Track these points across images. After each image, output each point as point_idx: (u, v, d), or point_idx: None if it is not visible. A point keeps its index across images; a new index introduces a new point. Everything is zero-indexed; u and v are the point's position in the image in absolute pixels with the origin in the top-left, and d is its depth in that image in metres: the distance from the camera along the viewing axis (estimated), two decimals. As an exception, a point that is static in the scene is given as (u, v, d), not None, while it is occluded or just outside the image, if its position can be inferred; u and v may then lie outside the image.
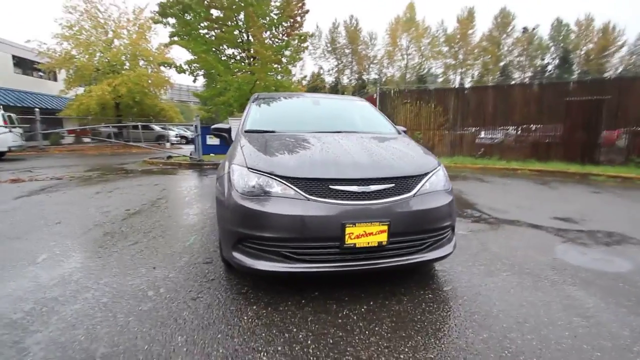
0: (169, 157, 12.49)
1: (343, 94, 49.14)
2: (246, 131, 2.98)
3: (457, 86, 44.07)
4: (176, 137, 22.32)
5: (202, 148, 11.14)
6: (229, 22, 12.34)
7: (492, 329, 1.89)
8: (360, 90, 47.28)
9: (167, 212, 4.46)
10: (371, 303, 2.16)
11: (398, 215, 2.08)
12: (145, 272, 2.57)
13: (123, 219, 4.07)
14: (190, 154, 11.98)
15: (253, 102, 3.65)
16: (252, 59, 13.00)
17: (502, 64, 49.40)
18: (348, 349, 1.71)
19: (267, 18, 12.14)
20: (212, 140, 11.47)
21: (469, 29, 47.29)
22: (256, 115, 3.36)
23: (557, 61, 48.24)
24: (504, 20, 47.41)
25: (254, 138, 2.75)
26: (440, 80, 51.40)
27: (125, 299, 2.16)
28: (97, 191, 5.88)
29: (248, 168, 2.21)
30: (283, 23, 12.68)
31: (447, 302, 2.18)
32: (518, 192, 6.24)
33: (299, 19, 12.73)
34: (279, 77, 13.61)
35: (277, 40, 12.94)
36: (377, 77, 50.34)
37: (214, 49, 12.57)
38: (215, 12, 12.06)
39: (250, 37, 12.50)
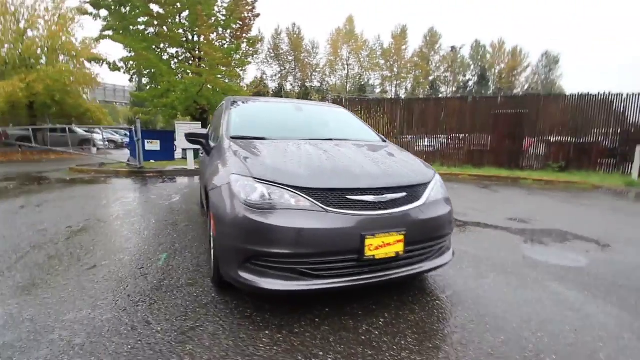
0: (102, 164, 11.14)
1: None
2: (233, 137, 2.73)
3: (402, 97, 47.03)
4: (103, 141, 20.01)
5: (141, 154, 10.13)
6: (170, 20, 11.52)
7: (505, 330, 1.96)
8: (304, 97, 47.76)
9: (121, 228, 3.91)
10: (386, 315, 2.10)
11: (412, 224, 2.07)
12: (121, 302, 2.18)
13: (67, 238, 3.46)
14: (128, 161, 10.83)
15: (231, 106, 3.39)
16: (197, 60, 12.28)
17: (431, 78, 54.08)
18: (383, 367, 1.63)
19: (213, 18, 11.59)
20: (152, 146, 10.52)
21: (402, 45, 50.88)
22: (238, 120, 3.11)
23: (476, 78, 54.36)
24: (432, 39, 52.05)
25: (247, 145, 2.53)
26: (378, 90, 54.36)
27: (106, 337, 1.79)
28: (22, 205, 4.94)
29: (254, 178, 2.01)
30: (232, 25, 12.23)
31: (456, 307, 2.22)
32: (467, 195, 6.78)
33: (248, 22, 12.39)
34: (227, 81, 13.06)
35: (224, 42, 12.41)
36: (320, 84, 51.40)
37: (154, 47, 11.60)
38: (155, 8, 11.16)
39: (197, 37, 11.81)
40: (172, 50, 12.43)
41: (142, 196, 6.05)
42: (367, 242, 1.92)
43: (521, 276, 2.76)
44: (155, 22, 10.99)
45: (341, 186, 2.00)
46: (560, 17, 76.68)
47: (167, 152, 11.93)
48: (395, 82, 54.27)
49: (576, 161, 10.63)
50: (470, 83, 54.90)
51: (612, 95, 10.49)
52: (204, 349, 1.71)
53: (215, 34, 11.72)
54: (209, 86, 11.43)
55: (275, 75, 49.74)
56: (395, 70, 52.58)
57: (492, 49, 54.10)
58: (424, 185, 2.28)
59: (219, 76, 11.90)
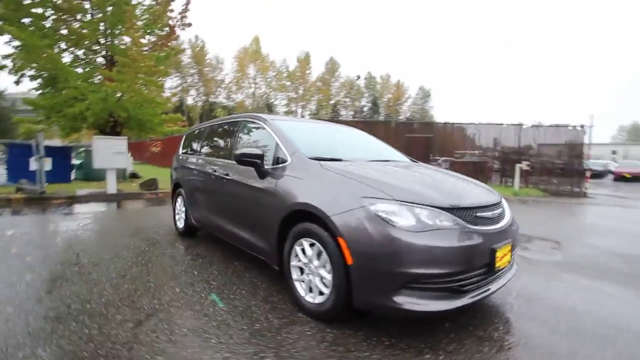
0: (-24, 188, 8.44)
1: (189, 114, 45.93)
2: (313, 158, 2.59)
3: (330, 118, 48.88)
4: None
5: (43, 175, 8.08)
6: (81, 16, 9.80)
7: (582, 324, 2.41)
8: (209, 112, 45.42)
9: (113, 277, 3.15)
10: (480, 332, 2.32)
11: (513, 234, 2.38)
12: None
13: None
14: (20, 184, 8.46)
15: (266, 124, 3.14)
16: (111, 65, 10.62)
17: (332, 102, 58.52)
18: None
19: (140, 22, 10.30)
20: (44, 165, 8.40)
21: (306, 69, 53.92)
22: (295, 139, 2.92)
23: (370, 104, 61.20)
24: (332, 67, 56.70)
25: (344, 167, 2.46)
26: (284, 110, 55.82)
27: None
28: None
29: (396, 200, 2.01)
30: (157, 31, 11.07)
31: (535, 304, 2.59)
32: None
33: (175, 29, 11.40)
34: (146, 91, 11.63)
35: (146, 48, 11.10)
36: (226, 101, 49.83)
37: (56, 46, 9.60)
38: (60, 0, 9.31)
39: (115, 40, 10.28)
40: (79, 52, 10.47)
41: (72, 233, 4.87)
42: (498, 254, 2.12)
43: (543, 272, 3.35)
44: (64, 16, 9.13)
45: (471, 205, 2.17)
46: (432, 57, 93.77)
47: (61, 172, 9.88)
48: (300, 103, 56.68)
49: (475, 176, 13.06)
50: (365, 108, 61.44)
51: (464, 123, 13.51)
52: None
53: (146, 38, 10.38)
54: (130, 96, 9.96)
55: (176, 87, 46.04)
56: (301, 92, 55.07)
57: (382, 80, 61.95)
58: (502, 200, 2.63)
59: (141, 85, 10.52)
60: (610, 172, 22.09)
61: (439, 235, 1.93)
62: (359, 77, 44.94)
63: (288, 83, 54.24)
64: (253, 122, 3.38)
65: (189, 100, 49.96)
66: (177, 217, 4.75)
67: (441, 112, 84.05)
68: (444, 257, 1.91)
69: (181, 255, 3.73)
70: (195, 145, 4.50)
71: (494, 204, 2.35)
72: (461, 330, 2.19)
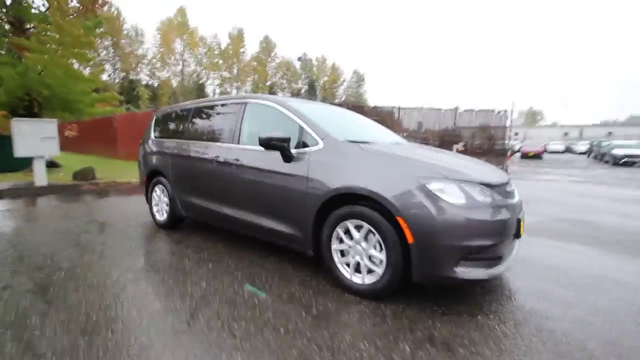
0: None
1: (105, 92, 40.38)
2: (351, 141, 2.61)
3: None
4: None
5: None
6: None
7: (572, 277, 2.92)
8: (130, 92, 40.68)
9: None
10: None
11: (521, 205, 2.73)
12: None
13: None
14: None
15: (283, 106, 3.02)
16: (21, 32, 8.81)
17: (268, 83, 56.95)
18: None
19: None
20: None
21: (240, 48, 51.26)
22: (321, 123, 2.86)
23: (306, 87, 61.07)
24: (268, 46, 54.84)
25: (380, 150, 2.53)
26: (218, 91, 52.71)
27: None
28: None
29: (449, 179, 2.17)
30: (81, -5, 9.42)
31: (529, 266, 3.04)
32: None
33: (103, -5, 9.85)
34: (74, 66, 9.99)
35: (70, 14, 9.43)
36: (149, 78, 45.04)
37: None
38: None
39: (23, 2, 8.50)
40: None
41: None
42: (522, 224, 2.45)
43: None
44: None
45: (500, 181, 2.43)
46: (367, 42, 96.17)
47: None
48: (235, 84, 54.03)
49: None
50: (303, 91, 61.19)
51: (393, 107, 14.63)
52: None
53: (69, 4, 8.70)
54: (56, 70, 8.43)
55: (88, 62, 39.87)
56: (235, 71, 52.39)
57: (317, 62, 62.03)
58: None
59: (69, 59, 8.97)
60: (518, 151, 25.85)
61: (487, 210, 2.15)
62: (300, 58, 44.28)
63: (221, 61, 51.05)
64: (263, 104, 3.22)
65: (104, 77, 43.93)
66: (155, 208, 4.33)
67: (375, 97, 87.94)
68: (492, 230, 2.14)
69: (181, 250, 3.45)
70: (176, 128, 4.11)
71: (509, 180, 2.67)
72: (491, 293, 2.50)
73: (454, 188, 2.15)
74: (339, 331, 1.97)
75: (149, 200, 4.45)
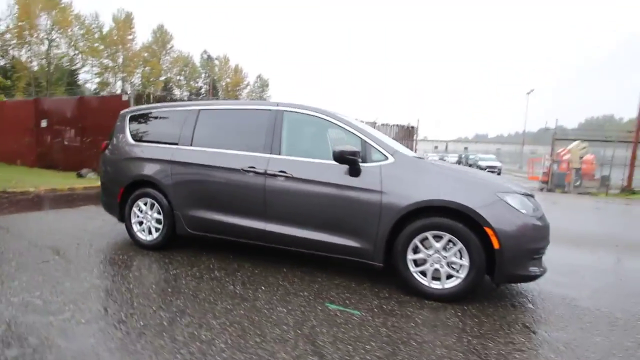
0: None
1: None
2: (417, 157, 2.80)
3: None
4: None
5: None
6: None
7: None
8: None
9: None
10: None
11: None
12: None
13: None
14: None
15: (342, 119, 3.02)
16: None
17: (162, 78, 51.40)
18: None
19: None
20: None
21: (128, 34, 44.81)
22: (383, 138, 3.00)
23: (207, 86, 57.41)
24: (163, 37, 49.50)
25: (449, 166, 2.83)
26: (97, 80, 44.95)
27: None
28: None
29: (519, 193, 2.60)
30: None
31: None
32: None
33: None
34: None
35: None
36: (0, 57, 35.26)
37: None
38: None
39: None
40: None
41: None
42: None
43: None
44: None
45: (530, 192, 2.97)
46: (272, 47, 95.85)
47: None
48: (120, 75, 46.91)
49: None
50: (203, 90, 57.34)
51: None
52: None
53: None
54: None
55: None
56: (120, 60, 45.50)
57: (219, 62, 59.15)
58: None
59: None
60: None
61: (541, 216, 2.64)
62: (205, 53, 41.32)
63: (102, 47, 43.57)
64: (308, 114, 3.11)
65: None
66: (136, 227, 3.61)
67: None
68: (546, 233, 2.63)
69: (216, 276, 3.02)
70: (174, 132, 3.54)
71: None
72: (528, 286, 3.01)
73: (521, 199, 2.57)
74: (462, 335, 2.14)
75: (126, 217, 3.66)
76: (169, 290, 2.62)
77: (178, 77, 53.84)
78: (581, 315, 2.49)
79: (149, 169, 3.53)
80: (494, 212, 2.47)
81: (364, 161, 2.80)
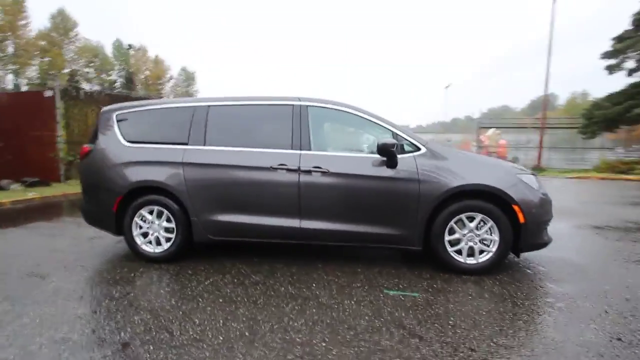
0: None
1: None
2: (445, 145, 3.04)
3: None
4: None
5: None
6: None
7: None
8: None
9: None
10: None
11: None
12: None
13: None
14: None
15: (367, 112, 3.11)
16: None
17: (66, 70, 44.64)
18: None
19: None
20: None
21: (20, 19, 37.75)
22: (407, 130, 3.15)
23: (122, 79, 51.53)
24: (64, 23, 42.85)
25: (469, 153, 3.11)
26: (-21, 74, 37.15)
27: None
28: None
29: (529, 173, 3.00)
30: None
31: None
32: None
33: None
34: None
35: None
36: None
37: None
38: None
39: None
40: None
41: None
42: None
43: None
44: None
45: None
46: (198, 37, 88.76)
47: None
48: (10, 67, 39.45)
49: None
50: (118, 83, 51.36)
51: None
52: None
53: None
54: None
55: None
56: (11, 49, 38.22)
57: (136, 53, 53.49)
58: None
59: None
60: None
61: (546, 192, 3.08)
62: (130, 47, 36.73)
63: (-18, 33, 36.02)
64: (334, 109, 3.14)
65: None
66: (139, 239, 3.25)
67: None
68: (551, 207, 3.08)
69: (259, 286, 2.89)
70: (179, 132, 3.24)
71: None
72: (540, 254, 3.46)
73: (532, 178, 2.98)
74: (512, 299, 2.44)
75: (125, 229, 3.25)
76: (220, 300, 2.46)
77: (86, 70, 47.27)
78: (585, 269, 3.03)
79: (155, 173, 3.17)
80: (518, 191, 2.83)
81: (398, 153, 2.94)
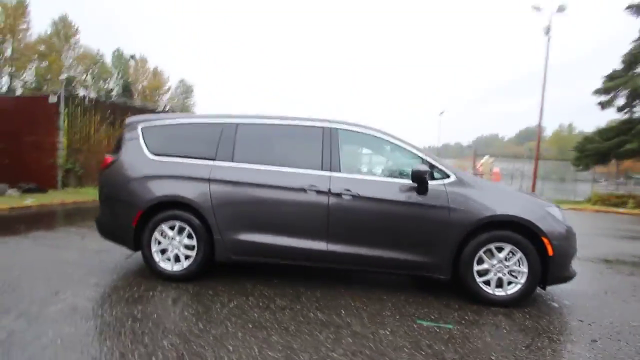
0: None
1: None
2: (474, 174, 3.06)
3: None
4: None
5: None
6: None
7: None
8: None
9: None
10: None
11: None
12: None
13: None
14: None
15: (397, 138, 3.14)
16: None
17: (63, 76, 44.41)
18: None
19: None
20: None
21: (20, 23, 37.75)
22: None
23: (120, 89, 51.43)
24: (66, 30, 43.00)
25: (496, 184, 3.10)
26: (-27, 74, 36.65)
27: None
28: None
29: (556, 207, 3.04)
30: None
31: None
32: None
33: None
34: None
35: None
36: None
37: None
38: None
39: None
40: None
41: None
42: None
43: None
44: None
45: None
46: (195, 53, 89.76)
47: None
48: (7, 69, 39.07)
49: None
50: (114, 93, 51.21)
51: None
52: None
53: None
54: None
55: None
56: (9, 52, 37.99)
57: (136, 63, 53.77)
58: None
59: None
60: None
61: (570, 225, 3.09)
62: (133, 57, 36.99)
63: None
64: (364, 133, 3.17)
65: None
66: (158, 256, 3.13)
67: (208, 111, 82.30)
68: (575, 239, 3.09)
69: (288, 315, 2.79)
70: (207, 147, 3.20)
71: None
72: (560, 286, 3.47)
73: (557, 210, 3.01)
74: (546, 333, 2.41)
75: (143, 245, 3.14)
76: (250, 326, 2.36)
77: (84, 77, 47.12)
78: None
79: (181, 188, 3.11)
80: (547, 223, 2.85)
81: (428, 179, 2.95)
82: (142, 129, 3.37)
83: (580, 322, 2.67)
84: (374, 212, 2.94)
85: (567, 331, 2.51)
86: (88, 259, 3.72)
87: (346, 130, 3.18)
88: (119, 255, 3.82)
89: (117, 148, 3.40)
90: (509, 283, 2.88)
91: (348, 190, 2.94)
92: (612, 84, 13.54)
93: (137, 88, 53.98)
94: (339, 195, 2.94)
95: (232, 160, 3.15)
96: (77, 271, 3.29)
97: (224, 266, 3.49)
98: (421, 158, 3.05)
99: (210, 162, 3.15)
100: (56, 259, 3.64)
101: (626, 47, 14.05)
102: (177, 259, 3.13)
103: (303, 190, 2.97)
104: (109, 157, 3.38)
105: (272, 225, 3.05)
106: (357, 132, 3.19)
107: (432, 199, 2.89)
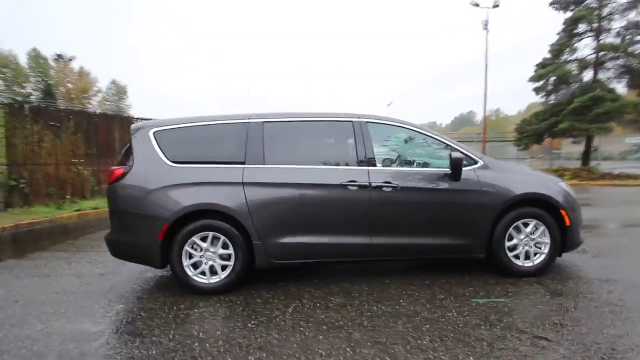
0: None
1: None
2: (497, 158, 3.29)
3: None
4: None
5: None
6: None
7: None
8: None
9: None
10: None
11: None
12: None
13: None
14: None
15: (425, 129, 3.27)
16: None
17: (-35, 81, 38.13)
18: None
19: None
20: None
21: None
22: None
23: (39, 92, 45.48)
24: (-36, 26, 36.71)
25: (513, 164, 3.39)
26: None
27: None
28: None
29: (563, 180, 3.39)
30: None
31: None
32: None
33: None
34: None
35: None
36: None
37: None
38: None
39: None
40: None
41: None
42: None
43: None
44: None
45: None
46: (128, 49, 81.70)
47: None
48: None
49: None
50: (34, 97, 45.18)
51: None
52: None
53: None
54: None
55: None
56: None
57: (57, 64, 47.97)
58: None
59: None
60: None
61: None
62: (59, 57, 32.67)
63: None
64: (393, 126, 3.26)
65: None
66: (191, 271, 2.91)
67: (147, 113, 75.26)
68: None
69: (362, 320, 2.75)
70: (233, 151, 3.03)
71: None
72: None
73: (566, 185, 3.38)
74: (582, 295, 2.71)
75: (173, 260, 2.88)
76: (324, 327, 2.31)
77: (-7, 81, 40.91)
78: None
79: (211, 195, 2.90)
80: (563, 197, 3.18)
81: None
82: (154, 134, 3.07)
83: (598, 281, 3.04)
84: (415, 202, 3.04)
85: (596, 291, 2.84)
86: (93, 284, 3.30)
87: (375, 123, 3.21)
88: (128, 276, 3.47)
89: (126, 158, 3.05)
90: (535, 254, 3.17)
91: (388, 182, 2.99)
92: (543, 71, 15.30)
93: (60, 91, 48.30)
94: (379, 188, 2.98)
95: (264, 160, 3.01)
96: (90, 300, 2.91)
97: (249, 275, 3.33)
98: (451, 146, 3.20)
99: (241, 165, 2.98)
100: (56, 290, 3.16)
101: (552, 38, 16.03)
102: (212, 271, 2.93)
103: (343, 186, 2.95)
104: (118, 169, 3.02)
105: (314, 224, 2.99)
106: (386, 124, 3.25)
107: (466, 185, 3.06)
